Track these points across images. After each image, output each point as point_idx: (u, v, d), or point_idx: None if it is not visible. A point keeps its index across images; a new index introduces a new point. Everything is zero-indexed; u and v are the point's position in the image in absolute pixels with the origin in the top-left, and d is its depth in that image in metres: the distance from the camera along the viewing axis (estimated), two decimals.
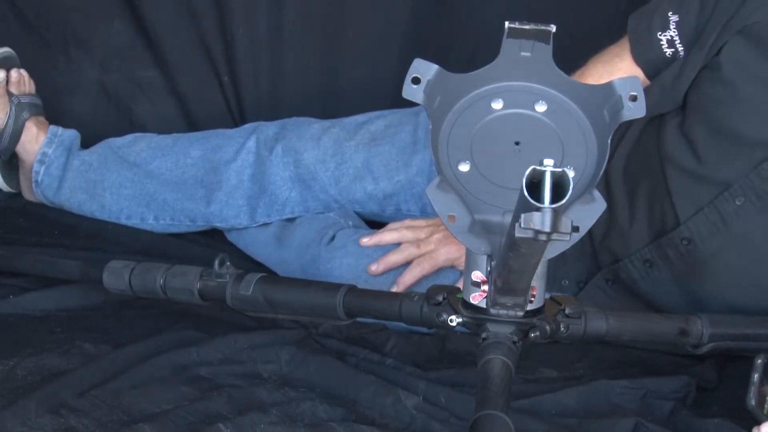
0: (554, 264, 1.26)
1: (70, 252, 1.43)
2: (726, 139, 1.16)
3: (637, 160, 1.26)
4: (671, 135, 1.22)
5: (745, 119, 1.15)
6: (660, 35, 1.23)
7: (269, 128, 1.53)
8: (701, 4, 1.20)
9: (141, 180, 1.54)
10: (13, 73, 1.59)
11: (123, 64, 1.75)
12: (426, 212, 1.46)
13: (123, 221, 1.55)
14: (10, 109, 1.56)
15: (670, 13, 1.23)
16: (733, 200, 1.15)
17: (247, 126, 1.57)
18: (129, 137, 1.61)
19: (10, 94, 1.57)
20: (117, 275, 1.17)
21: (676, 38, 1.22)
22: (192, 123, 1.74)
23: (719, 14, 1.18)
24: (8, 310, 1.24)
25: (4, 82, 1.57)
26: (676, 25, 1.22)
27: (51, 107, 1.67)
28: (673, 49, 1.23)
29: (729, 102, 1.16)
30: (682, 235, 1.18)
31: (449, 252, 1.31)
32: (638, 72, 1.25)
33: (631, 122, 1.29)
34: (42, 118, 1.61)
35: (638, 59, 1.25)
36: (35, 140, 1.58)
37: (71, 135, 1.59)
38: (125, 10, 1.71)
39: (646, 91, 1.22)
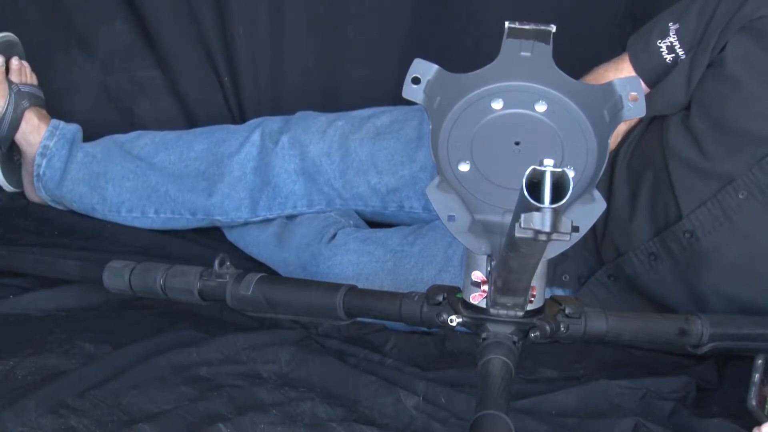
0: (555, 260, 1.26)
1: (70, 252, 1.43)
2: (729, 134, 1.17)
3: (640, 155, 1.27)
4: (675, 129, 1.22)
5: (748, 114, 1.16)
6: (659, 43, 1.24)
7: (274, 122, 1.53)
8: (701, 8, 1.21)
9: (144, 172, 1.53)
10: (14, 61, 1.58)
11: (124, 65, 1.75)
12: (429, 209, 1.46)
13: (123, 214, 1.55)
14: (9, 96, 1.55)
15: (670, 24, 1.24)
16: (736, 194, 1.15)
17: (252, 121, 1.57)
18: (133, 134, 1.61)
19: (9, 82, 1.57)
20: (117, 275, 1.16)
21: (676, 43, 1.23)
22: (192, 123, 1.74)
23: (721, 15, 1.19)
24: (8, 310, 1.24)
25: (3, 68, 1.56)
26: (676, 31, 1.23)
27: (52, 107, 1.67)
28: (673, 55, 1.24)
29: (733, 97, 1.17)
30: (685, 228, 1.18)
31: None
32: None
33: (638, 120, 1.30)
34: (44, 111, 1.61)
35: (639, 70, 1.26)
36: (36, 131, 1.57)
37: (73, 129, 1.59)
38: (126, 11, 1.71)
39: (650, 97, 1.23)
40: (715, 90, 1.19)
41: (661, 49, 1.24)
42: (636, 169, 1.26)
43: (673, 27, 1.24)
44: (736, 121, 1.16)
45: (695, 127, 1.20)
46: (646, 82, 1.25)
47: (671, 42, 1.23)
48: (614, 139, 1.30)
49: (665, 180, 1.21)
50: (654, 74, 1.25)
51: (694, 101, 1.22)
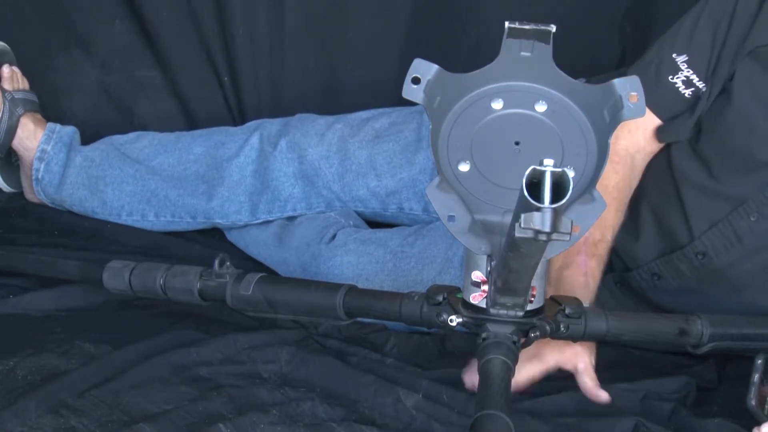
0: None
1: (70, 252, 1.43)
2: (737, 160, 1.16)
3: (647, 176, 1.26)
4: (684, 152, 1.22)
5: (754, 141, 1.15)
6: (673, 78, 1.19)
7: (273, 125, 1.53)
8: (713, 36, 1.18)
9: (143, 176, 1.53)
10: (5, 68, 1.59)
11: (124, 65, 1.75)
12: (428, 211, 1.46)
13: (124, 218, 1.55)
14: (4, 104, 1.55)
15: (674, 55, 1.19)
16: (748, 216, 1.16)
17: (251, 123, 1.58)
18: (131, 135, 1.61)
19: (3, 90, 1.57)
20: (117, 275, 1.16)
21: (693, 77, 1.19)
22: (192, 123, 1.75)
23: (732, 41, 1.17)
24: (8, 310, 1.24)
25: None
26: (688, 64, 1.19)
27: (51, 107, 1.67)
28: (692, 89, 1.19)
29: (738, 124, 1.16)
30: (697, 250, 1.19)
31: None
32: (653, 119, 1.22)
33: None
34: (39, 116, 1.61)
35: (654, 107, 1.20)
36: (33, 136, 1.57)
37: (70, 131, 1.59)
38: (126, 11, 1.71)
39: (662, 128, 1.20)
40: (722, 117, 1.18)
41: (677, 85, 1.19)
42: (642, 189, 1.26)
43: (681, 59, 1.19)
44: (742, 146, 1.16)
45: (703, 151, 1.19)
46: (659, 117, 1.22)
47: (687, 76, 1.19)
48: (646, 160, 1.25)
49: (674, 201, 1.21)
50: (670, 109, 1.21)
51: (702, 126, 1.20)
